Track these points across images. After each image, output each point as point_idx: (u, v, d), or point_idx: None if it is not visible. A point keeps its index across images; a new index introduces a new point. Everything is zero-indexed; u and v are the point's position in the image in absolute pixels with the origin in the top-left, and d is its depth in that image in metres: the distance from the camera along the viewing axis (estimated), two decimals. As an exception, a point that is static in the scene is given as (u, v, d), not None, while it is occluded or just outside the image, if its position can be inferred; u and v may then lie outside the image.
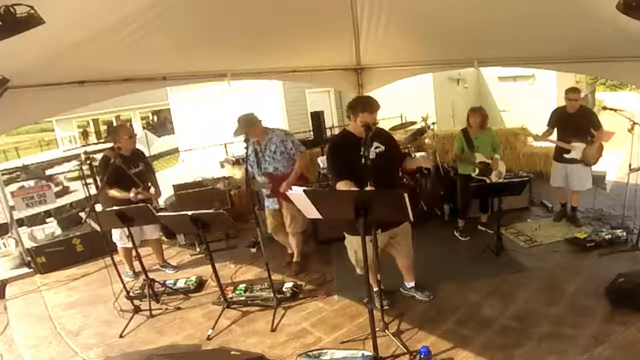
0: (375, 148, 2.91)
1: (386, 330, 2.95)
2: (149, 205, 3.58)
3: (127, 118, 30.24)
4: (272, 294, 3.54)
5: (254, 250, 4.87)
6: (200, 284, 4.10)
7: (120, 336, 3.34)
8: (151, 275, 3.94)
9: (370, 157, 2.71)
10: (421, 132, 5.64)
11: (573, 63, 4.58)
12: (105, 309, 3.80)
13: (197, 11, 3.61)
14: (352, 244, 3.08)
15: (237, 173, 6.39)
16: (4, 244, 5.10)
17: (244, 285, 3.87)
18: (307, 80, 7.16)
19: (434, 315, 3.20)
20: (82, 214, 5.60)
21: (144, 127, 28.28)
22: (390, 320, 3.15)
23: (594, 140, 4.36)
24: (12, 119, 4.30)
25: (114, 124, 27.04)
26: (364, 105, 2.91)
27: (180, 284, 4.09)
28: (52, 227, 5.66)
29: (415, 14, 4.23)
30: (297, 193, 2.44)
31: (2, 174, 7.65)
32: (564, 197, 4.86)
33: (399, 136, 5.10)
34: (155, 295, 3.81)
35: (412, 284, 3.46)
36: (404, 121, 9.47)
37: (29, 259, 4.83)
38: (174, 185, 5.75)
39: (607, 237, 4.06)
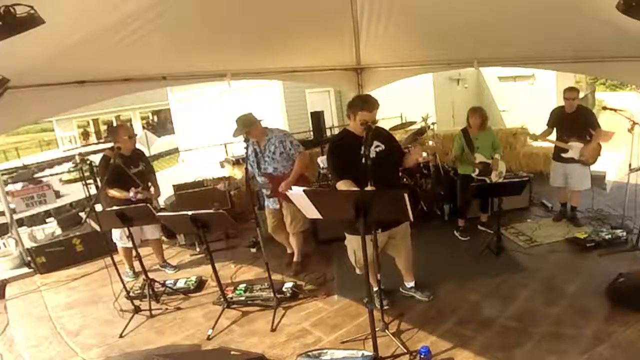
0: (376, 147, 2.91)
1: (386, 330, 2.95)
2: (148, 205, 3.58)
3: (127, 118, 30.27)
4: (272, 294, 3.54)
5: (254, 250, 4.87)
6: (200, 284, 4.10)
7: (120, 336, 3.34)
8: (151, 275, 3.94)
9: (371, 156, 2.71)
10: (421, 132, 5.64)
11: (573, 63, 4.58)
12: (105, 309, 3.80)
13: (197, 11, 3.61)
14: (352, 243, 3.08)
15: (237, 173, 6.40)
16: (4, 244, 5.10)
17: (244, 285, 3.87)
18: (307, 80, 7.19)
19: (434, 315, 3.20)
20: (82, 214, 5.61)
21: (144, 127, 28.29)
22: (390, 320, 3.15)
23: (592, 139, 4.37)
24: (12, 119, 4.29)
25: (114, 124, 27.04)
26: (363, 103, 2.90)
27: (180, 284, 4.09)
28: (52, 227, 5.66)
29: (415, 14, 4.23)
30: (297, 193, 2.44)
31: (2, 174, 7.64)
32: (564, 197, 4.86)
33: (399, 136, 5.09)
34: (155, 295, 3.81)
35: (412, 283, 3.46)
36: (404, 121, 9.48)
37: (29, 259, 4.83)
38: (174, 185, 5.75)
39: (607, 237, 4.06)
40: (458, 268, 3.91)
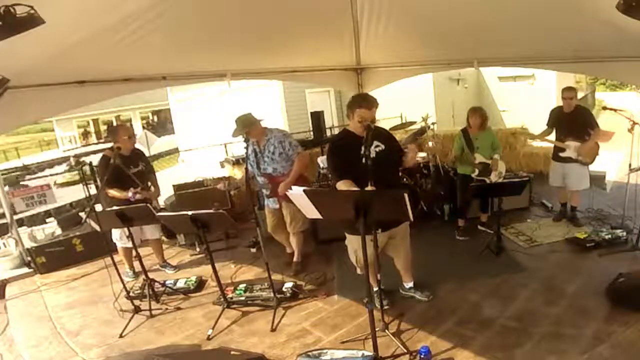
0: (376, 147, 2.90)
1: (386, 330, 2.95)
2: (148, 205, 3.58)
3: (127, 118, 30.27)
4: (272, 294, 3.54)
5: (254, 250, 4.87)
6: (200, 284, 4.10)
7: (120, 336, 3.34)
8: (151, 275, 3.94)
9: (371, 156, 2.71)
10: (421, 132, 5.64)
11: (573, 63, 4.58)
12: (105, 309, 3.80)
13: (197, 11, 3.61)
14: (353, 243, 3.08)
15: (237, 173, 6.39)
16: (4, 244, 5.10)
17: (244, 285, 3.86)
18: (307, 80, 7.19)
19: (434, 315, 3.20)
20: (82, 214, 5.61)
21: (144, 127, 28.28)
22: (390, 320, 3.15)
23: (589, 138, 4.37)
24: (12, 119, 4.29)
25: (114, 124, 27.04)
26: (361, 101, 2.91)
27: (180, 284, 4.09)
28: (52, 227, 5.66)
29: (415, 14, 4.24)
30: (297, 193, 2.44)
31: (2, 174, 7.64)
32: (564, 197, 4.86)
33: (399, 136, 5.09)
34: (155, 295, 3.81)
35: (411, 284, 3.46)
36: (404, 121, 9.48)
37: (29, 259, 4.83)
38: (174, 185, 5.75)
39: (607, 237, 4.06)
40: (458, 268, 3.91)
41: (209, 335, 3.21)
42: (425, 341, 2.86)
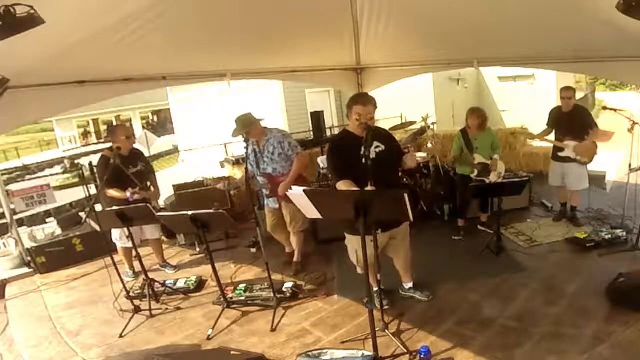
0: (376, 148, 2.90)
1: (386, 330, 2.95)
2: (148, 205, 3.58)
3: (127, 118, 30.28)
4: (272, 294, 3.54)
5: (254, 250, 4.87)
6: (200, 284, 4.10)
7: (120, 336, 3.34)
8: (151, 275, 3.94)
9: (371, 156, 2.71)
10: (421, 132, 5.64)
11: (573, 63, 4.58)
12: (105, 309, 3.80)
13: (197, 11, 3.61)
14: (353, 243, 3.07)
15: (237, 173, 6.39)
16: (4, 244, 5.10)
17: (244, 285, 3.86)
18: (307, 80, 7.19)
19: (434, 315, 3.20)
20: (82, 214, 5.61)
21: (144, 127, 28.29)
22: (390, 320, 3.15)
23: (587, 138, 4.38)
24: (12, 119, 4.29)
25: (114, 124, 27.03)
26: (356, 98, 2.93)
27: (180, 284, 4.09)
28: (52, 227, 5.66)
29: (415, 14, 4.23)
30: (297, 193, 2.44)
31: (2, 174, 7.63)
32: (564, 196, 4.86)
33: (399, 136, 5.09)
34: (155, 295, 3.81)
35: (410, 284, 3.46)
36: (404, 121, 9.48)
37: (29, 259, 4.83)
38: (174, 185, 5.75)
39: (607, 237, 4.06)
40: (458, 268, 3.90)
41: (209, 335, 3.21)
42: (425, 341, 2.86)
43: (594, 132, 4.38)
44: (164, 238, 4.92)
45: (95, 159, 4.91)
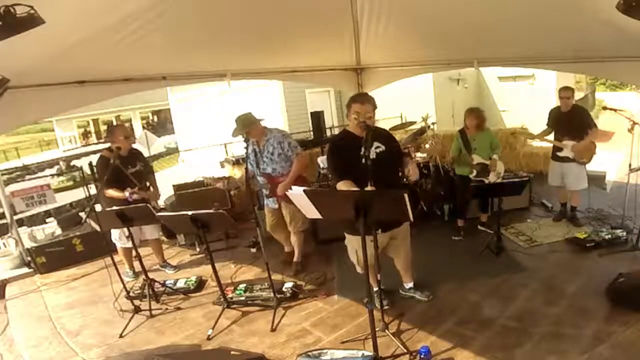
0: (376, 148, 2.90)
1: (386, 330, 2.95)
2: (148, 205, 3.58)
3: (127, 118, 30.28)
4: (272, 294, 3.54)
5: (254, 250, 4.87)
6: (200, 284, 4.10)
7: (120, 336, 3.34)
8: (151, 275, 3.94)
9: (371, 157, 2.71)
10: (421, 132, 5.64)
11: (573, 63, 4.58)
12: (105, 309, 3.80)
13: (197, 11, 3.61)
14: (353, 243, 3.07)
15: (237, 173, 6.39)
16: (4, 244, 5.10)
17: (244, 285, 3.86)
18: (307, 80, 7.19)
19: (434, 315, 3.20)
20: (82, 214, 5.61)
21: (144, 127, 28.28)
22: (390, 320, 3.15)
23: (586, 137, 4.38)
24: (12, 119, 4.29)
25: (114, 123, 27.03)
26: (354, 97, 2.94)
27: (180, 284, 4.09)
28: (52, 227, 5.66)
29: (415, 14, 4.23)
30: (297, 193, 2.44)
31: (2, 174, 7.63)
32: (564, 196, 4.86)
33: (399, 136, 5.09)
34: (155, 295, 3.81)
35: (411, 284, 3.46)
36: (404, 121, 9.48)
37: (29, 259, 4.83)
38: (174, 185, 5.75)
39: (607, 237, 4.06)
40: (458, 268, 3.91)
41: (209, 335, 3.21)
42: (425, 341, 2.86)
43: (593, 132, 4.39)
44: (163, 238, 4.92)
45: (95, 159, 4.91)
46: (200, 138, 13.75)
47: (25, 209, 5.44)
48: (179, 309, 3.72)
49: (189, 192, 5.47)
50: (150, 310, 3.62)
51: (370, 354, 2.62)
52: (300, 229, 4.12)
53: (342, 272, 3.93)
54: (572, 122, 4.45)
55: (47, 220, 6.90)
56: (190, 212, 3.23)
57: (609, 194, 5.72)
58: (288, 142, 3.91)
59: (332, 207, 2.55)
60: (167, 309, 3.72)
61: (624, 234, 4.10)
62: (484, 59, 5.19)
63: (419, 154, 5.48)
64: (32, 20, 2.16)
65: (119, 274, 3.72)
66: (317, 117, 7.86)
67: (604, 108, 4.66)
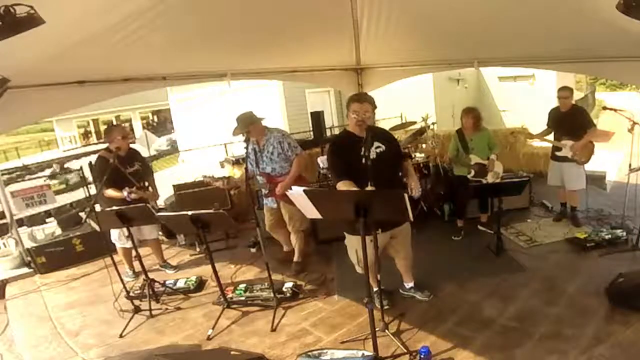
0: (376, 148, 2.90)
1: (386, 330, 2.95)
2: (148, 205, 3.58)
3: (127, 118, 30.26)
4: (272, 294, 3.54)
5: (254, 250, 4.87)
6: (200, 284, 4.10)
7: (120, 336, 3.34)
8: (151, 275, 3.93)
9: (371, 157, 2.71)
10: (421, 132, 5.64)
11: (573, 63, 4.58)
12: (105, 309, 3.80)
13: (198, 11, 3.61)
14: (353, 243, 3.07)
15: (237, 173, 6.39)
16: (4, 244, 5.10)
17: (244, 285, 3.86)
18: (307, 80, 7.18)
19: (434, 315, 3.20)
20: (82, 214, 5.61)
21: (144, 127, 28.26)
22: (390, 320, 3.15)
23: (584, 137, 4.39)
24: (12, 119, 4.29)
25: (114, 123, 27.02)
26: (353, 96, 2.95)
27: (180, 284, 4.09)
28: (52, 227, 5.66)
29: (415, 13, 4.23)
30: (297, 193, 2.44)
31: (2, 174, 7.64)
32: (564, 196, 4.86)
33: (399, 136, 5.10)
34: (155, 295, 3.81)
35: (411, 284, 3.46)
36: (404, 121, 9.49)
37: (29, 259, 4.83)
38: (173, 185, 5.75)
39: (607, 237, 4.06)
40: (458, 268, 3.90)
41: (209, 335, 3.21)
42: (425, 341, 2.86)
43: (591, 132, 4.40)
44: (163, 238, 4.91)
45: (95, 159, 4.91)
46: (200, 138, 13.75)
47: (25, 209, 5.43)
48: (179, 309, 3.72)
49: (189, 192, 5.47)
50: (150, 310, 3.62)
51: (370, 354, 2.62)
52: (300, 228, 4.12)
53: (342, 272, 3.92)
54: (571, 122, 4.46)
55: (47, 220, 6.89)
56: (190, 212, 3.23)
57: (609, 194, 5.72)
58: (288, 142, 3.91)
59: (332, 207, 2.55)
60: (167, 309, 3.72)
61: (624, 234, 4.10)
62: (484, 59, 5.19)
63: (418, 155, 5.49)
64: (32, 20, 2.16)
65: (119, 274, 3.72)
66: (317, 117, 7.87)
67: (604, 108, 4.66)
